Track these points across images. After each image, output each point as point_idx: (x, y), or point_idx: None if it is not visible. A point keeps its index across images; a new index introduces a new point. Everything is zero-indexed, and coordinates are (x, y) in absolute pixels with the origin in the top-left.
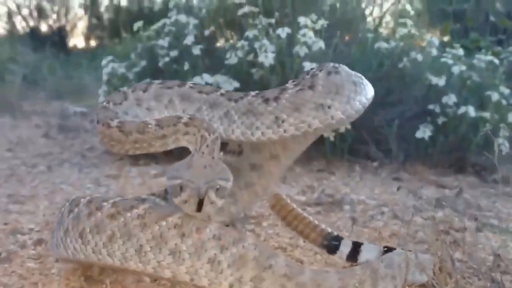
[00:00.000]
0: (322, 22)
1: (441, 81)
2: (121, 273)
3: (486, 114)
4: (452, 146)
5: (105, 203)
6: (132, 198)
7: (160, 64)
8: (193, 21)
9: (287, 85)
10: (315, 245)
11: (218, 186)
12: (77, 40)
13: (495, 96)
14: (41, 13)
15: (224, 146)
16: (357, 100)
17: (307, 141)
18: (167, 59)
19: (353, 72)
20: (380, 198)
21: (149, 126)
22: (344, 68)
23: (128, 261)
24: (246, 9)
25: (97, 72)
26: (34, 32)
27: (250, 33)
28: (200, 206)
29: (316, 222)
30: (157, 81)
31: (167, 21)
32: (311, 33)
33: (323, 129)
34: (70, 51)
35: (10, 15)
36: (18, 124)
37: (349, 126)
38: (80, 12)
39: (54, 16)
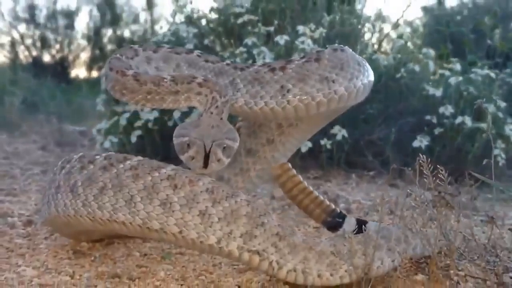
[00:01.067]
0: (320, 31)
1: (438, 92)
2: (110, 247)
3: (483, 125)
4: (449, 156)
5: (98, 157)
6: None
7: None
8: (192, 30)
9: (293, 58)
10: (317, 222)
11: (225, 145)
12: (79, 71)
13: (491, 108)
14: (44, 43)
15: None
16: (359, 79)
17: (304, 130)
18: None
19: (358, 55)
20: (376, 200)
21: (165, 80)
22: (348, 49)
23: (118, 213)
24: (245, 17)
25: (97, 97)
26: (36, 62)
27: (249, 40)
28: (206, 163)
29: (322, 198)
30: (166, 45)
31: (168, 32)
32: (309, 41)
33: (325, 104)
34: (71, 81)
35: (13, 44)
36: (15, 140)
37: (345, 134)
38: (83, 42)
39: (57, 46)
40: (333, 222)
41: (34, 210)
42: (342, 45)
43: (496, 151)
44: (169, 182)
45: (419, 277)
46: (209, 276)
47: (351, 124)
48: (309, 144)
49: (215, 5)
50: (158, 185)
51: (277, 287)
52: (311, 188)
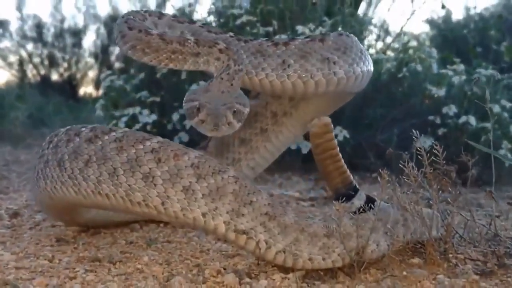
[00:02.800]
0: (320, 30)
1: (441, 92)
2: (96, 236)
3: (487, 125)
4: (453, 156)
5: (83, 129)
6: None
7: (158, 75)
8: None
9: (298, 37)
10: (330, 188)
11: (235, 109)
12: (87, 89)
13: (496, 108)
14: (52, 62)
15: None
16: (359, 66)
17: (298, 121)
18: (164, 70)
19: (361, 45)
20: (378, 196)
21: (189, 41)
22: (354, 37)
23: (101, 184)
24: (244, 18)
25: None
26: (44, 80)
27: None
28: (217, 126)
29: (346, 168)
30: (169, 14)
31: None
32: None
33: (324, 84)
34: (80, 99)
35: (21, 63)
36: (19, 151)
37: (347, 135)
38: (91, 60)
39: (65, 64)
40: (345, 193)
41: (23, 205)
42: (347, 33)
43: (502, 151)
44: (153, 156)
45: (416, 260)
46: (195, 260)
47: (353, 126)
48: (310, 146)
49: (213, 7)
50: (142, 158)
51: (265, 270)
52: (340, 156)
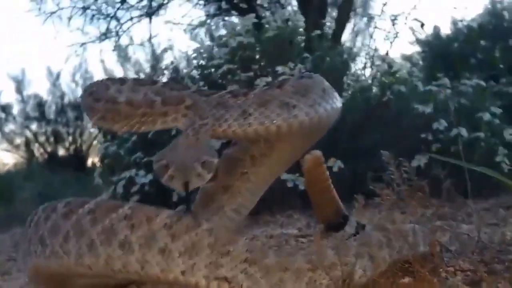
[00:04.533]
0: (299, 67)
1: (428, 109)
2: None
3: (480, 134)
4: (449, 170)
5: (59, 204)
6: None
7: (150, 135)
8: None
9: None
10: (322, 220)
11: (203, 160)
12: (95, 158)
13: (486, 116)
14: (58, 138)
15: None
16: (322, 106)
17: (277, 160)
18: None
19: (327, 83)
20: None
21: (156, 102)
22: (318, 76)
23: (83, 257)
24: (225, 67)
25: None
26: (52, 157)
27: (230, 88)
28: (186, 179)
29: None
30: (130, 78)
31: None
32: None
33: (285, 129)
34: (88, 170)
35: (27, 143)
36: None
37: (341, 165)
38: (94, 131)
39: (70, 138)
40: (336, 223)
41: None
42: (312, 74)
43: (498, 158)
44: (127, 222)
45: (406, 280)
46: None
47: (348, 156)
48: None
49: (195, 62)
50: (116, 227)
51: None
52: (332, 187)
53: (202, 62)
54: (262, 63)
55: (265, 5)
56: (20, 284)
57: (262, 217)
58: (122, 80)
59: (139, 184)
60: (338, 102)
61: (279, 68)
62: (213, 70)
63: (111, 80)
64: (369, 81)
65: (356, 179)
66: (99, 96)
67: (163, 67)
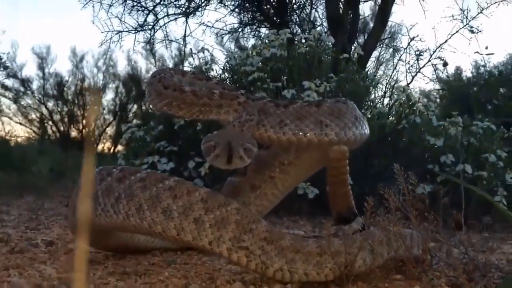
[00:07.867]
0: (325, 85)
1: (439, 142)
2: (122, 259)
3: (484, 173)
4: (452, 202)
5: (114, 170)
6: None
7: (176, 127)
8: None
9: (297, 101)
10: (333, 211)
11: (246, 146)
12: (105, 145)
13: (492, 158)
14: (72, 119)
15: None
16: (351, 130)
17: (302, 169)
18: (182, 122)
19: (359, 111)
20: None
21: (215, 94)
22: (353, 104)
23: (130, 218)
24: (255, 75)
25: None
26: (64, 137)
27: (258, 95)
28: (230, 160)
29: (351, 196)
30: (189, 71)
31: None
32: (314, 94)
33: (316, 143)
34: (98, 155)
35: (42, 120)
36: (42, 201)
37: (350, 181)
38: (109, 117)
39: (84, 121)
40: (346, 217)
41: (56, 237)
42: (347, 100)
43: (497, 198)
44: (170, 192)
45: (398, 276)
46: (208, 275)
47: (359, 176)
48: (316, 191)
49: (227, 65)
50: (161, 195)
51: (268, 281)
52: (348, 183)
53: (236, 66)
54: (290, 76)
55: (297, 21)
56: (52, 236)
57: (268, 218)
58: (184, 72)
59: (160, 170)
60: (366, 130)
61: (305, 83)
62: (243, 76)
63: (174, 70)
64: (387, 109)
65: (363, 196)
66: (168, 84)
67: (193, 66)
